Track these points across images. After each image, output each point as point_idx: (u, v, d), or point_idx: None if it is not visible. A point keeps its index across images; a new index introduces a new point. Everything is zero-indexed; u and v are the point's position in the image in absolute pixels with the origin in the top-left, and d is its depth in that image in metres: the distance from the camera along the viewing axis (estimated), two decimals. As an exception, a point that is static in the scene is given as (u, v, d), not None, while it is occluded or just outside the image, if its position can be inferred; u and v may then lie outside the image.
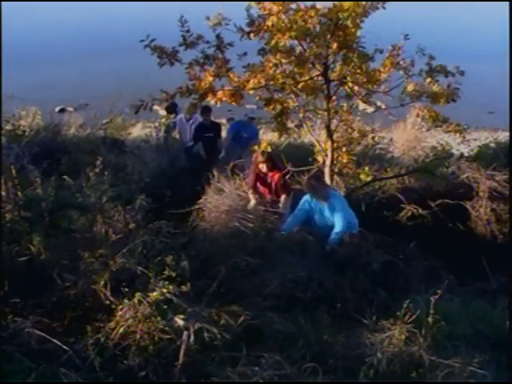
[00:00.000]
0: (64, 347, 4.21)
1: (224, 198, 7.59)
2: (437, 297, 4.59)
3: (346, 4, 6.70)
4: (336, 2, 6.83)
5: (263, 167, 8.23)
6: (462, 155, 9.61)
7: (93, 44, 30.77)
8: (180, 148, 11.62)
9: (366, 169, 8.44)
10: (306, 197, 7.42)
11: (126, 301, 4.52)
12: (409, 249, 7.17)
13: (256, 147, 8.07)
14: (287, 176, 8.33)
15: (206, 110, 10.77)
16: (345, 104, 8.08)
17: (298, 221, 7.41)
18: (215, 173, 8.29)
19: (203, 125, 11.10)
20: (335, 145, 7.96)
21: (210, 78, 7.02)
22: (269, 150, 7.92)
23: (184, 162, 10.97)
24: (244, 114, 11.07)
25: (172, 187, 9.17)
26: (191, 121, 11.47)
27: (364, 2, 6.84)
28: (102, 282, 4.72)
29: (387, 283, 6.09)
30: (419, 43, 7.13)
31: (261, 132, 11.99)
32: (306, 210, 7.42)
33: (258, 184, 8.39)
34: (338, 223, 7.12)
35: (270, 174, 8.29)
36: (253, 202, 7.97)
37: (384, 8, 6.99)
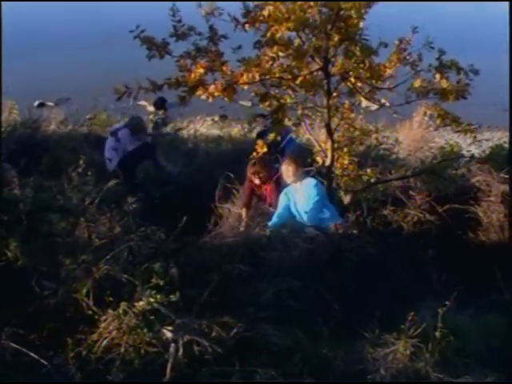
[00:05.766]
0: (42, 361, 4.21)
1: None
2: (445, 309, 4.61)
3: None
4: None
5: (254, 179, 8.43)
6: (472, 157, 9.64)
7: (75, 32, 30.59)
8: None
9: (369, 170, 8.47)
10: (284, 191, 7.87)
11: (109, 311, 4.52)
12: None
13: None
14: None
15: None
16: (346, 101, 8.09)
17: (282, 218, 7.73)
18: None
19: None
20: (336, 145, 7.97)
21: (201, 70, 7.01)
22: (265, 150, 7.96)
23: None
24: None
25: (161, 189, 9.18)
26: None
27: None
28: (85, 291, 4.72)
29: (387, 291, 6.11)
30: (427, 35, 7.12)
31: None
32: (287, 206, 7.81)
33: (254, 197, 8.63)
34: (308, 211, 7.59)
35: (264, 187, 8.51)
36: (245, 221, 8.14)
37: (387, -1, 7.02)
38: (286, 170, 7.70)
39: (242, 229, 7.77)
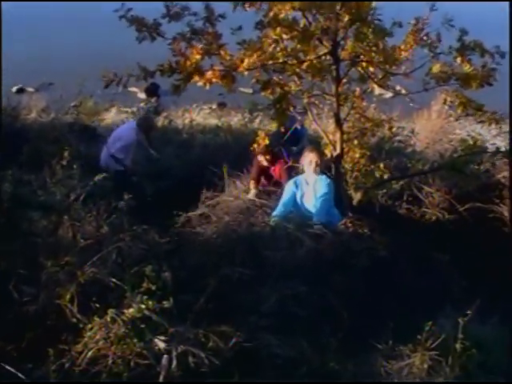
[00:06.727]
0: (20, 375, 4.19)
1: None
2: (466, 318, 4.59)
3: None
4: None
5: (263, 160, 8.92)
6: (497, 150, 9.60)
7: (59, 11, 30.51)
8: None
9: (382, 165, 8.44)
10: (294, 179, 7.94)
11: (96, 319, 4.52)
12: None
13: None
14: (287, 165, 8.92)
15: None
16: (357, 88, 8.06)
17: (287, 207, 7.80)
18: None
19: None
20: (345, 136, 7.95)
21: (198, 56, 6.97)
22: (266, 142, 8.04)
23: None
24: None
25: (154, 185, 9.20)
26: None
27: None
28: (68, 297, 4.72)
29: (401, 298, 6.10)
30: (446, 12, 7.05)
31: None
32: (293, 194, 7.85)
33: (262, 177, 9.14)
34: (316, 208, 7.62)
35: (272, 168, 9.07)
36: (253, 192, 8.75)
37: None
38: (311, 159, 7.69)
39: (249, 196, 8.40)
